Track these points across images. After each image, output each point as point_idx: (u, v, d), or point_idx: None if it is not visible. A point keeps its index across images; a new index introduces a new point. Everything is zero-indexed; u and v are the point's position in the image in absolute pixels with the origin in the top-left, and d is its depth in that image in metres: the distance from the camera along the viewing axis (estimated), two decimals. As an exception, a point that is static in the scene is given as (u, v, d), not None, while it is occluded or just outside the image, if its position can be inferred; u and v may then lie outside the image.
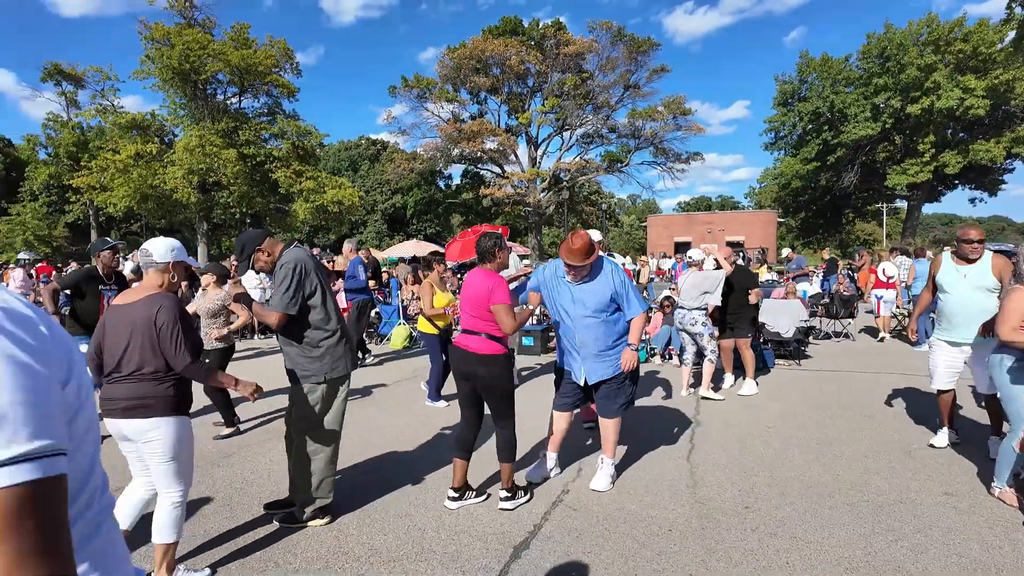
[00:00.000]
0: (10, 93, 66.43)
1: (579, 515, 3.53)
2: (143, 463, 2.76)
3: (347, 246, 9.13)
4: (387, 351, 9.68)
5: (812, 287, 13.05)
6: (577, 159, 37.97)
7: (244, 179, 27.22)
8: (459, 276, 12.88)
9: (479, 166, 40.98)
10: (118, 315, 2.77)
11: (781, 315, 8.29)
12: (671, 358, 8.35)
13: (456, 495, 3.67)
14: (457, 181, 49.31)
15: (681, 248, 34.43)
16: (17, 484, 0.65)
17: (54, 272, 16.09)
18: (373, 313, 11.74)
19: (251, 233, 3.34)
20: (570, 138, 38.93)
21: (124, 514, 2.75)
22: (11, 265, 18.14)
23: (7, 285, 10.69)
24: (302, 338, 3.29)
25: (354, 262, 8.34)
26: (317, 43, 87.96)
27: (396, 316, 10.86)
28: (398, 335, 10.15)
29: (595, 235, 3.90)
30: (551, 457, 4.16)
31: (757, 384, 6.52)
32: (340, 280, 8.72)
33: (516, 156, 38.43)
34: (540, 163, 39.06)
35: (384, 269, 15.94)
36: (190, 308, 5.00)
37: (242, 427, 5.30)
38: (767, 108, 62.95)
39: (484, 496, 3.77)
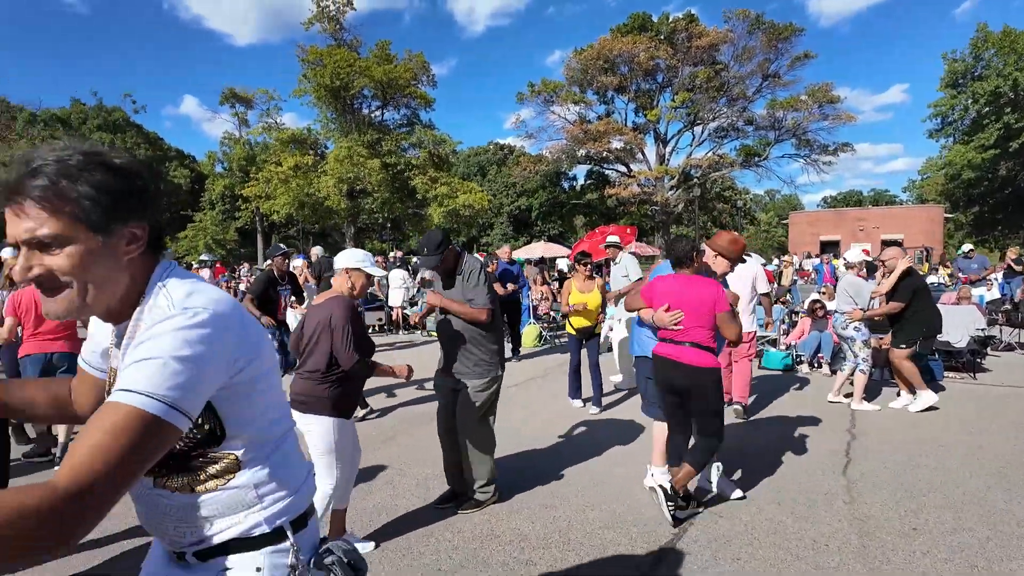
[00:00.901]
0: (194, 116, 76.93)
1: (725, 522, 3.47)
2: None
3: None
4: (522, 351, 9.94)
5: (991, 292, 11.51)
6: (709, 154, 36.42)
7: (386, 186, 29.31)
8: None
9: (604, 166, 40.68)
10: (311, 315, 3.11)
11: (952, 323, 7.43)
12: (820, 366, 7.80)
13: (674, 505, 3.38)
14: (581, 182, 49.34)
15: (828, 247, 31.75)
16: (144, 410, 0.87)
17: (226, 271, 18.46)
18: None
19: (440, 233, 3.56)
20: (702, 133, 37.46)
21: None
22: (196, 265, 21.03)
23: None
24: (487, 334, 3.56)
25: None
26: (450, 54, 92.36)
27: (528, 316, 11.16)
28: (529, 334, 10.44)
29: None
30: (660, 471, 3.87)
31: (916, 398, 5.83)
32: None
33: (643, 154, 37.71)
34: (669, 160, 37.95)
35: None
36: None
37: (395, 411, 5.83)
38: (931, 91, 56.17)
39: (691, 505, 3.53)
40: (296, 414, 2.90)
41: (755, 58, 34.07)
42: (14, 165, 0.96)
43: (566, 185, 51.63)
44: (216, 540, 1.13)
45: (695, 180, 37.37)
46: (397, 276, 12.33)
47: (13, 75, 72.61)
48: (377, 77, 28.68)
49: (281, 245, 7.04)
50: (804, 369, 7.87)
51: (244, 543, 1.15)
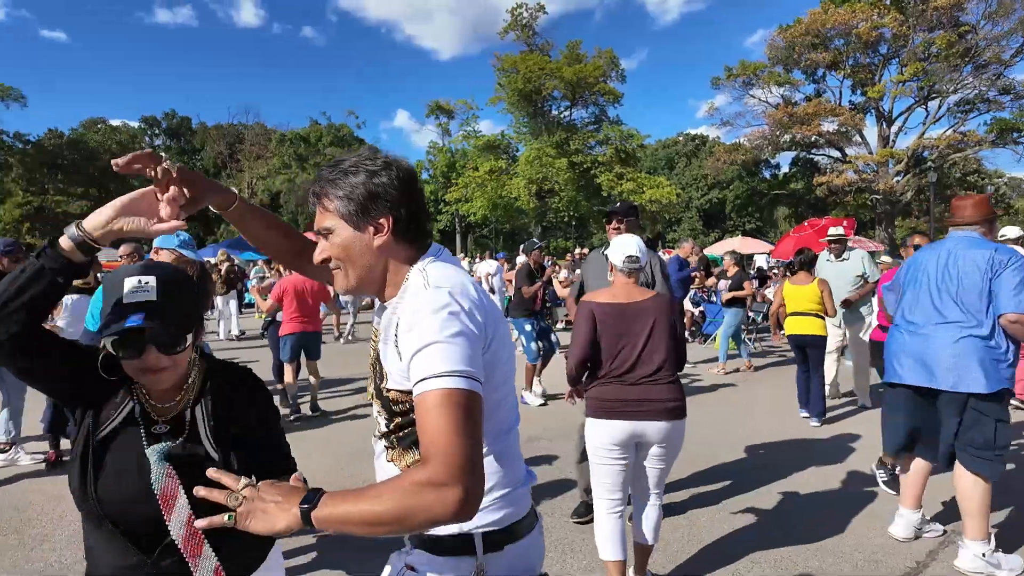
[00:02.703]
0: (405, 128, 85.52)
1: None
2: (627, 473, 2.66)
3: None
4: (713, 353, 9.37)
5: None
6: (949, 132, 30.83)
7: (572, 185, 29.80)
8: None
9: (813, 152, 36.68)
10: (622, 314, 2.64)
11: None
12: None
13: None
14: (784, 170, 45.02)
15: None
16: (452, 387, 0.96)
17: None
18: (697, 312, 11.59)
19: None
20: (938, 108, 31.82)
21: (613, 544, 2.62)
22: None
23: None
24: None
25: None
26: (641, 46, 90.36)
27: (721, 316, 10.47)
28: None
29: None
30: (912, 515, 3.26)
31: None
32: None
33: (862, 136, 33.21)
34: (894, 142, 32.94)
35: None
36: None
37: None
38: None
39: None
40: (664, 424, 2.53)
41: (1015, 14, 27.97)
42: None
43: (767, 174, 47.51)
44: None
45: (929, 163, 31.86)
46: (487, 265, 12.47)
47: (268, 103, 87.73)
48: (567, 78, 29.26)
49: (535, 240, 7.66)
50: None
51: (434, 544, 1.15)
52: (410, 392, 1.03)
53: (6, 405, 4.46)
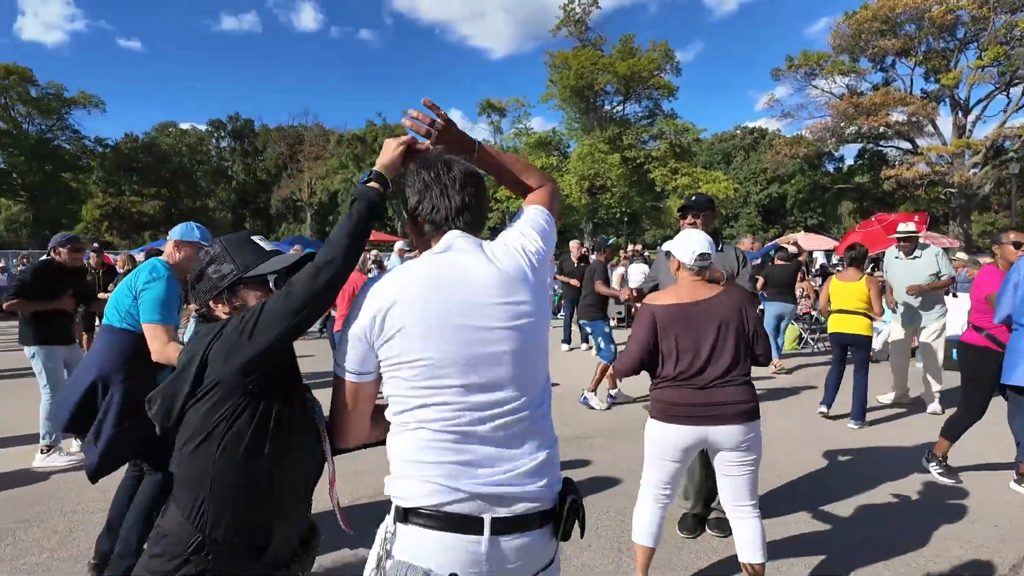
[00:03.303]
0: (459, 127, 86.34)
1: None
2: (683, 469, 2.59)
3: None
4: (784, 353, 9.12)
5: None
6: (1034, 120, 28.75)
7: (624, 180, 29.42)
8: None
9: (880, 143, 34.96)
10: (687, 315, 2.51)
11: None
12: None
13: None
14: (849, 163, 43.07)
15: None
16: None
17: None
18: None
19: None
20: (1021, 95, 29.74)
21: (648, 532, 2.58)
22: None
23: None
24: None
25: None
26: (698, 38, 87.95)
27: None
28: (788, 336, 9.50)
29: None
30: None
31: None
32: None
33: (934, 126, 31.42)
34: (971, 132, 31.00)
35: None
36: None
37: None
38: None
39: None
40: (735, 428, 2.40)
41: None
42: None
43: (830, 167, 45.53)
44: None
45: (1011, 154, 29.81)
46: (637, 271, 12.28)
47: (326, 104, 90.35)
48: (620, 72, 28.89)
49: (604, 236, 8.23)
50: None
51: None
52: None
53: (54, 392, 4.35)
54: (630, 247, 17.63)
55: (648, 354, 2.52)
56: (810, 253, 20.42)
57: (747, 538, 2.43)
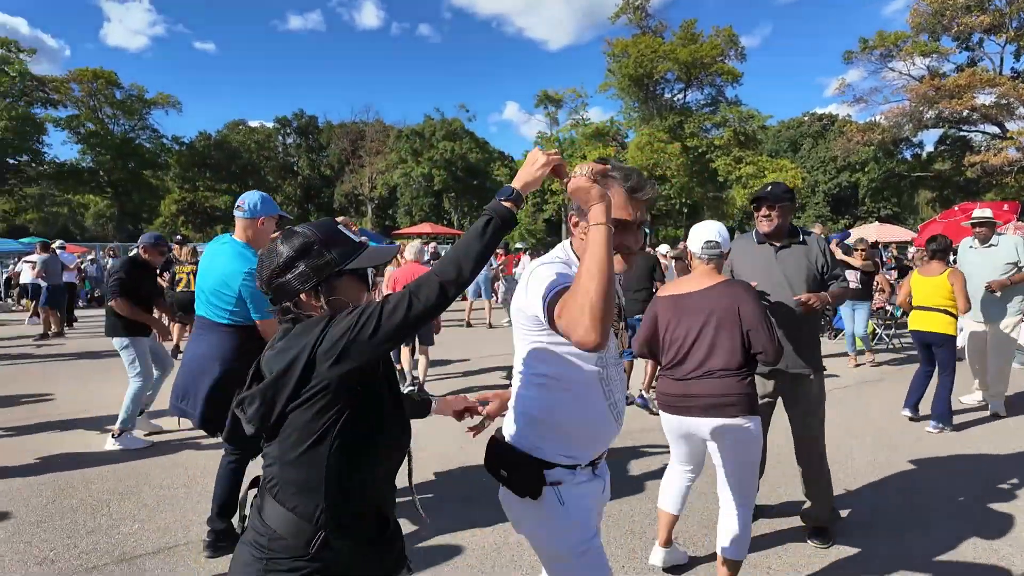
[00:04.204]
0: (514, 120, 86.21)
1: None
2: (697, 455, 2.66)
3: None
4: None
5: None
6: None
7: (685, 171, 28.69)
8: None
9: (964, 128, 32.64)
10: (676, 306, 2.54)
11: None
12: None
13: None
14: (928, 149, 40.41)
15: None
16: None
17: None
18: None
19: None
20: None
21: (670, 497, 2.73)
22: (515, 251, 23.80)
23: (519, 266, 13.90)
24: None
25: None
26: (764, 22, 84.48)
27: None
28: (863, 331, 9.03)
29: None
30: None
31: None
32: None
33: (1027, 108, 29.03)
34: (1071, 114, 28.50)
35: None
36: None
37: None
38: None
39: None
40: (707, 421, 2.38)
41: None
42: (639, 176, 1.62)
43: (907, 155, 42.87)
44: None
45: (1115, 136, 27.28)
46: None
47: (386, 100, 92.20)
48: (682, 59, 28.17)
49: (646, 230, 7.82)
50: None
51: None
52: None
53: (143, 380, 4.63)
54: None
55: (647, 344, 2.61)
56: (881, 245, 19.36)
57: (722, 529, 2.45)
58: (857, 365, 7.60)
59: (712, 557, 2.70)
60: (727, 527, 2.42)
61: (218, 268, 2.83)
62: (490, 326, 11.69)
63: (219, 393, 2.71)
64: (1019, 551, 2.97)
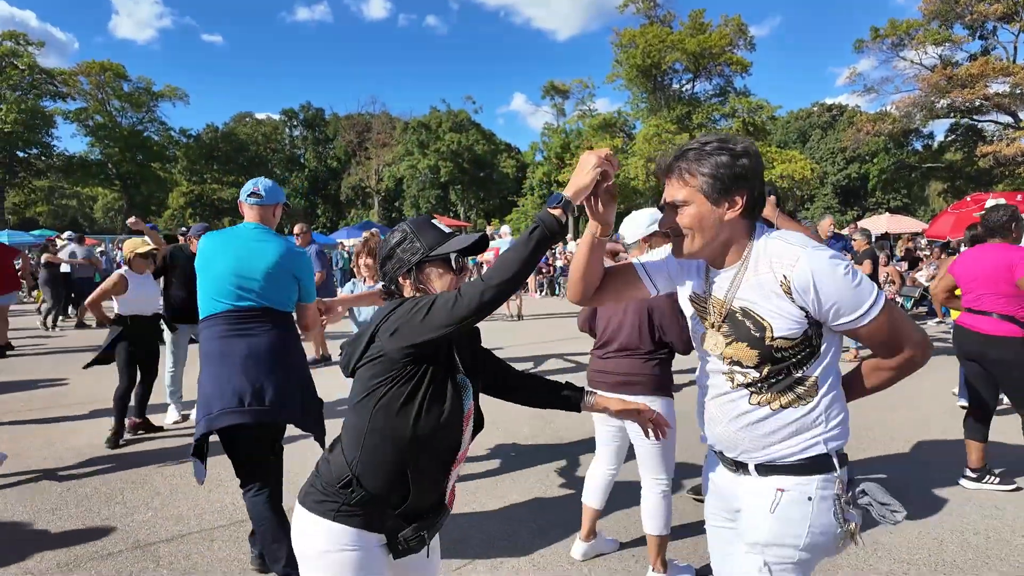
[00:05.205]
0: (521, 111, 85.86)
1: None
2: (618, 444, 2.76)
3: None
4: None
5: None
6: None
7: (693, 161, 28.54)
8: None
9: (976, 118, 32.27)
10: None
11: None
12: None
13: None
14: (940, 139, 39.93)
15: None
16: (883, 303, 1.27)
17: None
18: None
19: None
20: None
21: (592, 491, 2.80)
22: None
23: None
24: None
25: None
26: (773, 12, 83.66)
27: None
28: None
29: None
30: None
31: None
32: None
33: (1042, 97, 28.64)
34: (1085, 102, 28.12)
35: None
36: None
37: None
38: None
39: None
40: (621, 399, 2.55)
41: None
42: (672, 150, 1.38)
43: (917, 145, 42.41)
44: (779, 458, 1.33)
45: None
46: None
47: (393, 92, 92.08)
48: (690, 49, 27.96)
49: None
50: None
51: (800, 467, 1.31)
52: (796, 339, 1.28)
53: (173, 376, 4.87)
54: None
55: (587, 323, 2.80)
56: (897, 236, 19.23)
57: (644, 508, 2.58)
58: (861, 360, 7.48)
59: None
60: (646, 505, 2.58)
61: (270, 254, 2.58)
62: (520, 317, 11.67)
63: (307, 384, 2.59)
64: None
